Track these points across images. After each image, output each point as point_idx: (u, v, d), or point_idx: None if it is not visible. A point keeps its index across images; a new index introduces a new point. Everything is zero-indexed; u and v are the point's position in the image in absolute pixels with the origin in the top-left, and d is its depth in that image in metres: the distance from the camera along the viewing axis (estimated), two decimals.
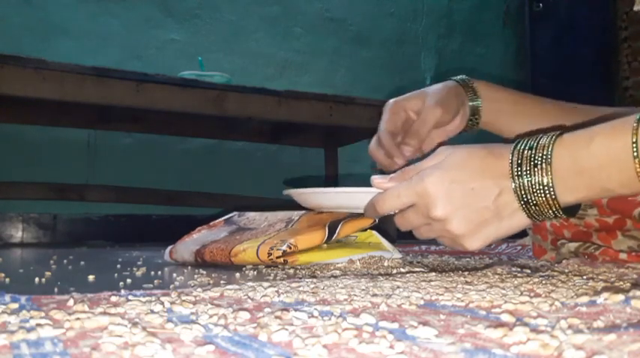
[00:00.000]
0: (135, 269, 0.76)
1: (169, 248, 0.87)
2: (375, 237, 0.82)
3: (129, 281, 0.62)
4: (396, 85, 2.59)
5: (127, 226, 2.05)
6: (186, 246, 0.83)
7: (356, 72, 2.52)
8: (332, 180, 2.25)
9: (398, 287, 0.50)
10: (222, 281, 0.61)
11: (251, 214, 0.90)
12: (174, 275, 0.69)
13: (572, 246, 0.82)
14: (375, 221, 0.78)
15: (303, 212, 0.82)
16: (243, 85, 1.73)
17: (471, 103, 0.77)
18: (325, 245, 0.75)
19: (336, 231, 0.74)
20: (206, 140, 2.18)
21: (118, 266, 0.82)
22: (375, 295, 0.45)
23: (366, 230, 0.82)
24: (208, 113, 1.68)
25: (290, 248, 0.70)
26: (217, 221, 0.92)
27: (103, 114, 1.81)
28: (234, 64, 2.23)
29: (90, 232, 2.01)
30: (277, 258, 0.70)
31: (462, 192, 0.50)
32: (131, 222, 2.07)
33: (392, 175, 0.56)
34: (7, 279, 0.64)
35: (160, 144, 2.13)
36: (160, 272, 0.73)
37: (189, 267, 0.80)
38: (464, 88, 0.77)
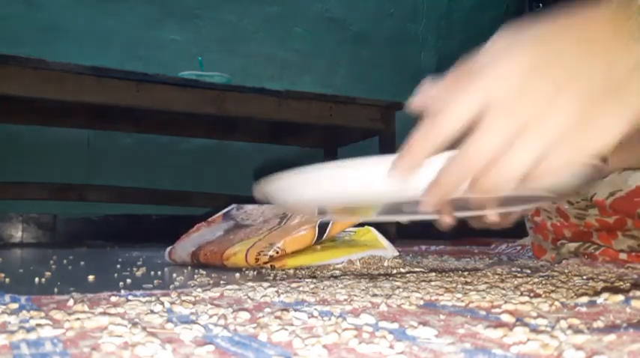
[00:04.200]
0: (135, 269, 0.76)
1: (169, 248, 0.87)
2: (372, 234, 0.82)
3: (129, 281, 0.62)
4: (396, 85, 2.59)
5: (127, 226, 2.06)
6: (184, 248, 0.83)
7: (356, 72, 2.52)
8: None
9: (398, 287, 0.50)
10: (222, 282, 0.61)
11: (249, 207, 0.89)
12: (174, 275, 0.69)
13: (572, 246, 0.82)
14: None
15: None
16: (243, 85, 1.73)
17: None
18: (319, 246, 0.75)
19: (327, 230, 0.73)
20: (206, 140, 2.18)
21: (118, 266, 0.82)
22: (375, 295, 0.45)
23: (363, 226, 0.82)
24: (208, 113, 1.68)
25: (277, 252, 0.70)
26: (216, 216, 0.92)
27: (103, 114, 1.82)
28: (234, 64, 2.23)
29: (90, 232, 2.01)
30: (264, 263, 0.70)
31: (560, 65, 0.33)
32: (131, 222, 2.07)
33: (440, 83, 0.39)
34: (7, 279, 0.64)
35: (159, 144, 2.13)
36: (159, 273, 0.73)
37: (189, 267, 0.80)
38: None
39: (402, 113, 1.96)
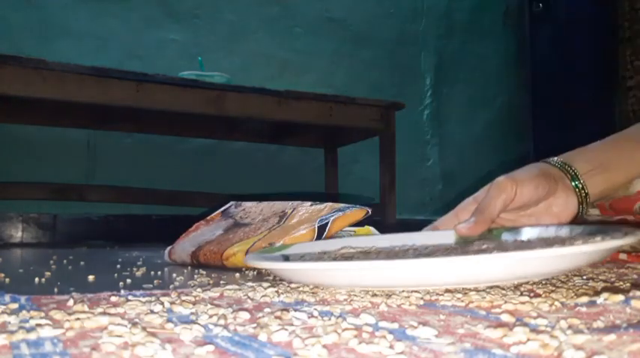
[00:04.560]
0: (135, 269, 0.75)
1: (169, 248, 0.87)
2: (372, 233, 0.82)
3: (129, 281, 0.62)
4: (396, 85, 2.59)
5: (127, 226, 2.06)
6: (184, 248, 0.83)
7: (356, 72, 2.52)
8: (332, 180, 2.25)
9: None
10: (222, 282, 0.61)
11: (247, 204, 0.89)
12: (174, 275, 0.69)
13: None
14: (369, 212, 0.77)
15: (298, 203, 0.81)
16: (243, 85, 1.73)
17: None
18: None
19: (327, 229, 0.73)
20: (206, 140, 2.18)
21: (118, 266, 0.82)
22: (375, 295, 0.45)
23: (363, 225, 0.82)
24: (208, 113, 1.68)
25: None
26: (214, 214, 0.91)
27: (103, 115, 1.82)
28: (234, 64, 2.23)
29: (90, 232, 2.01)
30: None
31: None
32: (131, 222, 2.07)
33: None
34: (7, 279, 0.64)
35: (159, 144, 2.14)
36: (159, 273, 0.73)
37: (189, 268, 0.80)
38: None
39: (401, 113, 1.97)
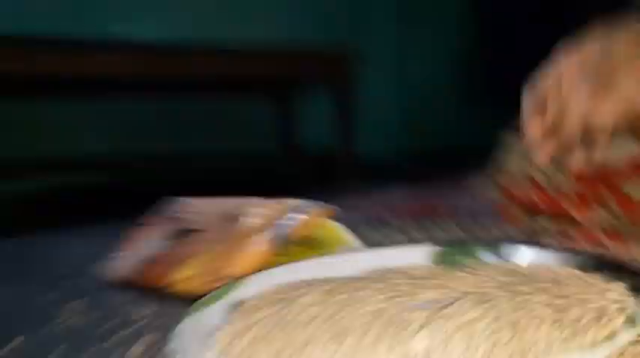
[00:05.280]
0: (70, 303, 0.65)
1: (112, 262, 0.76)
2: (340, 233, 0.74)
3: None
4: (352, 31, 2.44)
5: (70, 202, 1.91)
6: (127, 262, 0.73)
7: (306, 16, 2.35)
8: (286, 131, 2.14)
9: None
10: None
11: (196, 203, 0.78)
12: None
13: (546, 222, 0.78)
14: (335, 212, 0.70)
15: (250, 200, 0.71)
16: (182, 40, 1.57)
17: None
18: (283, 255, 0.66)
19: (286, 239, 0.66)
20: (146, 101, 2.02)
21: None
22: None
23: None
24: (140, 74, 1.52)
25: None
26: (158, 218, 0.80)
27: (35, 84, 1.63)
28: (168, 16, 2.03)
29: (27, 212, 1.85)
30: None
31: None
32: (77, 196, 1.91)
33: None
34: None
35: (91, 110, 1.95)
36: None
37: (133, 293, 0.69)
38: None
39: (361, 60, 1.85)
